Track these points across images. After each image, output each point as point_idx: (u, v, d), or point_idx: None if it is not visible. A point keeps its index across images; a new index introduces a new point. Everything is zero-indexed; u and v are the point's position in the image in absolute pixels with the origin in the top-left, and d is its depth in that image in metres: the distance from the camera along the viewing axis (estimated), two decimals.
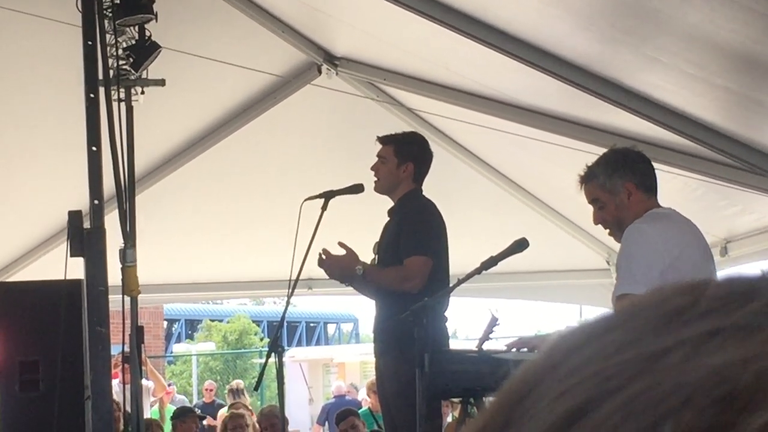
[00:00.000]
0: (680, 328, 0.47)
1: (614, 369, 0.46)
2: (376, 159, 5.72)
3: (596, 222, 4.56)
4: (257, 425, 10.11)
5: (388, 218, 5.72)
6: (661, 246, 4.21)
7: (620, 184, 4.40)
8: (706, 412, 0.44)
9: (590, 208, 4.56)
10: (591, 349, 0.48)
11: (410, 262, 5.42)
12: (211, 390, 16.44)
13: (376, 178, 5.69)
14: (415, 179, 5.68)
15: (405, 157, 5.66)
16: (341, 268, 5.54)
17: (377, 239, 5.74)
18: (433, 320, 4.94)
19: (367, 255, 5.73)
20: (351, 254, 5.49)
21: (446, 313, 5.45)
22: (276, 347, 5.38)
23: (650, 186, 4.48)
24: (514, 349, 4.78)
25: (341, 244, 5.50)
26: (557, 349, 0.50)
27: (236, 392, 14.61)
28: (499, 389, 0.51)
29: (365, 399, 14.67)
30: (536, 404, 0.48)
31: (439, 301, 5.17)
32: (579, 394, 0.47)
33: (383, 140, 5.74)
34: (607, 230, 4.56)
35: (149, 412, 11.49)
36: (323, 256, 5.51)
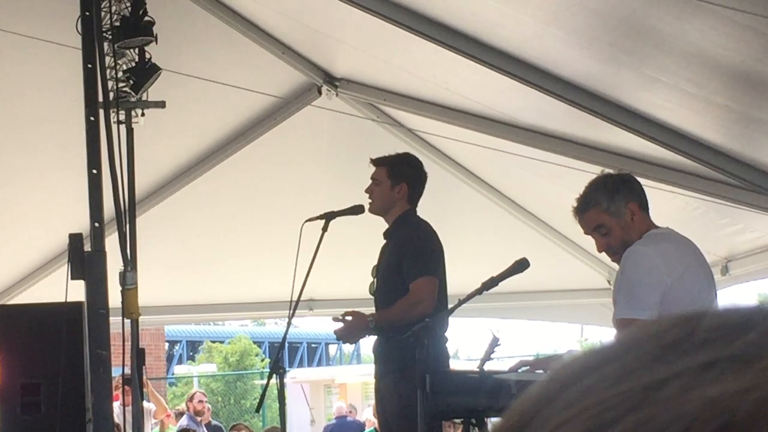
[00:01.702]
0: (678, 359, 0.47)
1: (612, 400, 0.46)
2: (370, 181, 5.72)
3: (601, 249, 4.50)
4: None
5: (384, 240, 5.71)
6: (663, 267, 4.19)
7: (623, 205, 4.38)
8: None
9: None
10: (589, 380, 0.48)
11: (416, 285, 5.40)
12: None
13: (370, 200, 5.69)
14: (409, 200, 5.67)
15: (399, 179, 5.65)
16: (356, 332, 5.52)
17: (376, 261, 5.73)
18: (433, 340, 4.93)
19: (366, 277, 5.73)
20: (357, 316, 5.45)
21: (447, 334, 5.44)
22: (277, 368, 5.38)
23: (647, 205, 4.48)
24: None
25: (346, 314, 5.47)
26: (555, 380, 0.49)
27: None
28: (498, 419, 0.51)
29: (368, 419, 14.64)
30: None
31: (440, 322, 5.15)
32: (577, 426, 0.46)
33: (376, 162, 5.74)
34: (612, 257, 4.50)
35: None
36: (338, 334, 5.54)
